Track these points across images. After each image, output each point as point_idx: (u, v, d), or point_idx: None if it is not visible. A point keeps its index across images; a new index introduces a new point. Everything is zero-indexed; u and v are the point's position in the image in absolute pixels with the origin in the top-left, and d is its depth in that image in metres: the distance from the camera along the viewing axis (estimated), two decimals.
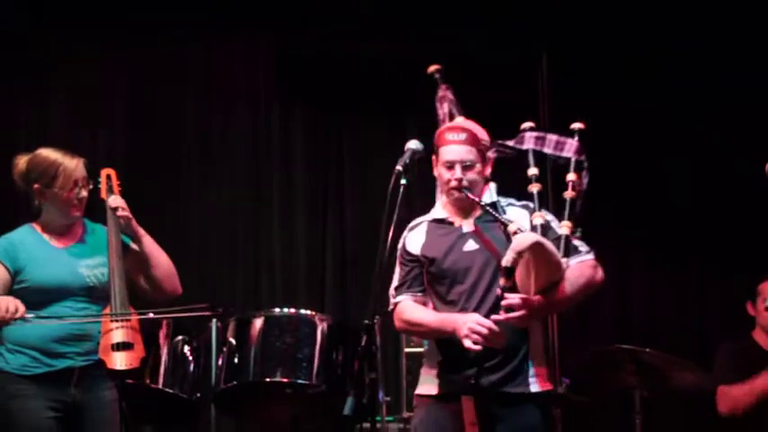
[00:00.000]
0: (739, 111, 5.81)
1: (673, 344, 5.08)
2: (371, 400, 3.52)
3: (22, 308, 3.64)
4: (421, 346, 4.88)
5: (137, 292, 3.96)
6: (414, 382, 3.77)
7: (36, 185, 3.87)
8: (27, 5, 5.63)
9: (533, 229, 3.49)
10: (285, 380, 4.01)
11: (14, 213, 4.42)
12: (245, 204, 5.94)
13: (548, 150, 3.75)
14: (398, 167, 3.32)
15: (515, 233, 3.34)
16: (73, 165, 3.86)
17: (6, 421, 3.71)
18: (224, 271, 5.87)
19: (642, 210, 5.90)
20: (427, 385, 3.56)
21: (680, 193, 5.93)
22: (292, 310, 4.20)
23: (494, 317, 3.32)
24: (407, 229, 3.63)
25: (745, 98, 5.77)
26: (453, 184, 3.50)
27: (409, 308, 3.54)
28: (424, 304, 3.58)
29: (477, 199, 3.49)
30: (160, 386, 4.09)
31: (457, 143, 3.50)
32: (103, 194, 3.98)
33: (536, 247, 3.30)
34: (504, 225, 3.41)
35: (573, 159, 3.71)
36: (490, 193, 3.61)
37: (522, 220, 3.50)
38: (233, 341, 4.12)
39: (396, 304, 3.60)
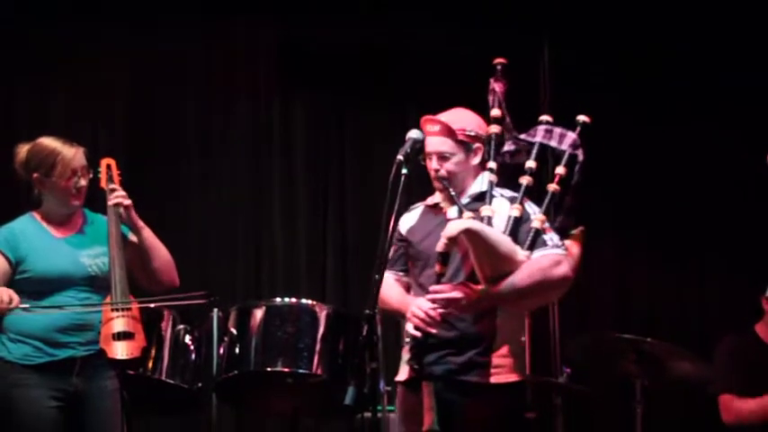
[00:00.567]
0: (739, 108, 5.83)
1: (673, 334, 5.08)
2: (373, 390, 3.52)
3: (16, 298, 3.63)
4: None
5: (134, 283, 3.96)
6: None
7: (35, 174, 3.87)
8: (27, 3, 5.63)
9: (507, 220, 3.50)
10: (286, 369, 4.00)
11: (16, 203, 4.41)
12: (246, 194, 5.94)
13: (553, 143, 3.74)
14: (399, 157, 3.32)
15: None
16: (71, 153, 3.86)
17: (9, 410, 3.72)
18: (225, 261, 5.87)
19: (643, 200, 5.91)
20: (401, 371, 3.64)
21: (681, 184, 5.93)
22: (293, 300, 4.19)
23: (428, 296, 3.37)
24: (408, 210, 3.73)
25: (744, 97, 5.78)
26: (432, 173, 3.61)
27: (385, 285, 3.53)
28: (408, 285, 3.66)
29: (451, 188, 3.55)
30: (161, 376, 4.09)
31: (432, 134, 3.57)
32: (103, 184, 3.97)
33: (469, 234, 3.33)
34: (461, 212, 3.47)
35: (567, 152, 3.70)
36: (480, 182, 3.62)
37: (504, 211, 3.53)
38: (234, 331, 4.11)
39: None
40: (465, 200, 3.61)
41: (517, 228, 3.49)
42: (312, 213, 5.97)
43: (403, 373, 3.62)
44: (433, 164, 3.60)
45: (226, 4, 5.86)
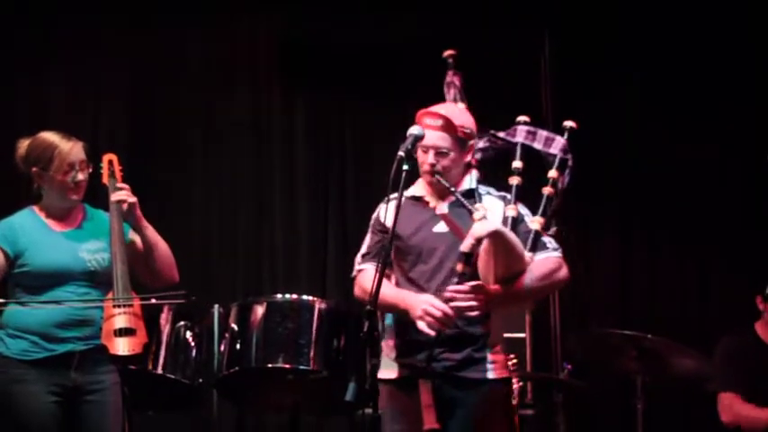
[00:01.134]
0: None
1: (674, 331, 5.08)
2: (373, 386, 3.53)
3: None
4: None
5: (134, 279, 3.96)
6: None
7: (34, 168, 3.86)
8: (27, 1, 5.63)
9: (504, 220, 3.49)
10: (287, 365, 4.01)
11: (17, 197, 4.41)
12: (247, 190, 5.95)
13: (537, 146, 3.73)
14: (400, 153, 3.31)
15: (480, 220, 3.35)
16: (68, 147, 3.84)
17: (8, 405, 3.72)
18: (226, 257, 5.88)
19: (645, 196, 5.90)
20: (387, 370, 3.54)
21: (682, 182, 5.92)
22: (294, 296, 4.20)
23: (446, 294, 3.31)
24: (384, 200, 3.55)
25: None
26: (426, 168, 3.52)
27: (370, 277, 3.43)
28: (388, 277, 3.54)
29: (447, 185, 3.49)
30: (162, 372, 4.10)
31: (432, 128, 3.49)
32: (105, 179, 3.96)
33: (495, 236, 3.32)
34: (470, 212, 3.41)
35: (558, 157, 3.70)
36: (470, 180, 3.60)
37: (496, 210, 3.51)
38: (235, 327, 4.12)
39: (359, 271, 3.61)
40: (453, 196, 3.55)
41: (515, 228, 3.47)
42: (313, 210, 5.97)
43: (391, 372, 3.52)
44: (429, 158, 3.50)
45: (227, 4, 5.86)
